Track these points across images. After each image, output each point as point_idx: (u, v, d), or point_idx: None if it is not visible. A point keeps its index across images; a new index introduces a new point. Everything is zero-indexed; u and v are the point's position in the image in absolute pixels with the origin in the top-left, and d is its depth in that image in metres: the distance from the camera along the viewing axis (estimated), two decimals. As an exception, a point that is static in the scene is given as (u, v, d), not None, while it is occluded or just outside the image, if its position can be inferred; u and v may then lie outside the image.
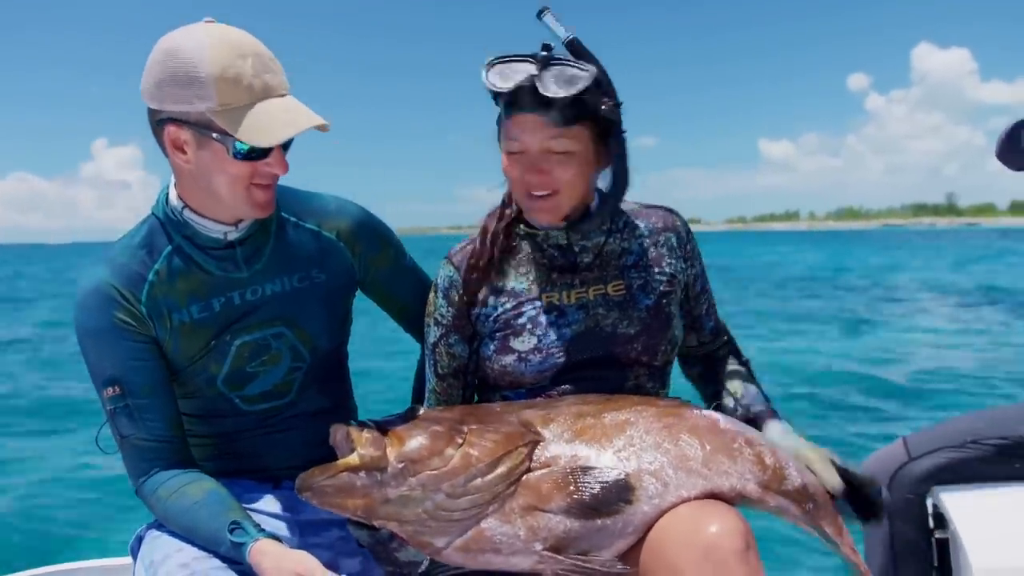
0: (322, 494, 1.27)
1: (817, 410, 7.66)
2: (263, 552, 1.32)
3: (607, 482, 1.26)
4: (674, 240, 1.55)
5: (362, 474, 1.26)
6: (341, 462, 1.28)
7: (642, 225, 1.55)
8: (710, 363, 1.65)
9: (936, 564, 2.00)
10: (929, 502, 2.01)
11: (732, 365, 1.64)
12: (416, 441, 1.28)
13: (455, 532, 1.26)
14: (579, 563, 1.25)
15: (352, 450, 1.28)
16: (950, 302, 19.03)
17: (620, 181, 1.47)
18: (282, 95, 1.40)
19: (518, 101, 1.37)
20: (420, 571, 1.39)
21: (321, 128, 1.40)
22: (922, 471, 1.99)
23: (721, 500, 1.28)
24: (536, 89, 1.34)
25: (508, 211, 1.52)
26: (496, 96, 1.41)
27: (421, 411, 1.36)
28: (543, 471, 1.28)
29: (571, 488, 1.26)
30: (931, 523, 2.02)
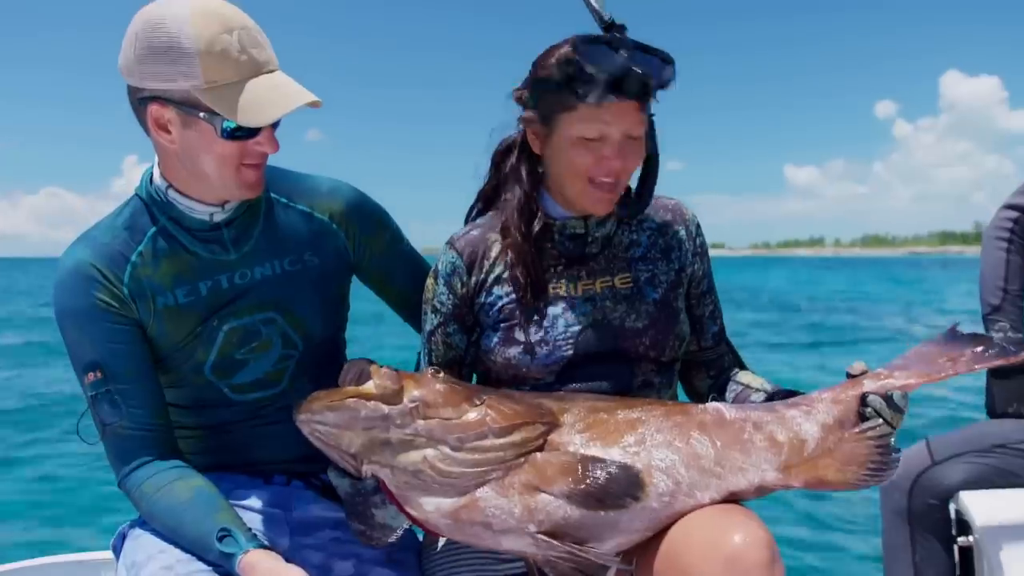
0: (320, 420, 1.20)
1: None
2: (252, 566, 1.25)
3: (615, 475, 1.20)
4: (683, 233, 1.52)
5: (371, 404, 1.19)
6: (351, 388, 1.21)
7: (651, 217, 1.52)
8: (717, 375, 1.59)
9: (958, 571, 1.96)
10: (952, 507, 1.96)
11: (736, 371, 1.58)
12: (434, 387, 1.23)
13: (447, 493, 1.20)
14: (574, 551, 1.18)
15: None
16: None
17: (655, 162, 1.45)
18: (271, 71, 1.34)
19: (620, 87, 1.32)
20: (389, 540, 1.32)
21: (313, 105, 1.35)
22: (946, 476, 1.95)
23: (741, 498, 1.23)
24: (641, 76, 1.31)
25: (530, 206, 1.46)
26: (575, 78, 1.33)
27: (441, 373, 1.29)
28: (552, 453, 1.23)
29: (577, 475, 1.20)
30: (954, 529, 1.97)
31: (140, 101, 1.35)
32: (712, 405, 1.34)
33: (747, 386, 1.49)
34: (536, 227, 1.45)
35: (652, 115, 1.42)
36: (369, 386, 1.20)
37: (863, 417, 1.26)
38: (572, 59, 1.33)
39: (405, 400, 1.20)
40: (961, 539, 1.95)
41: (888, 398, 1.26)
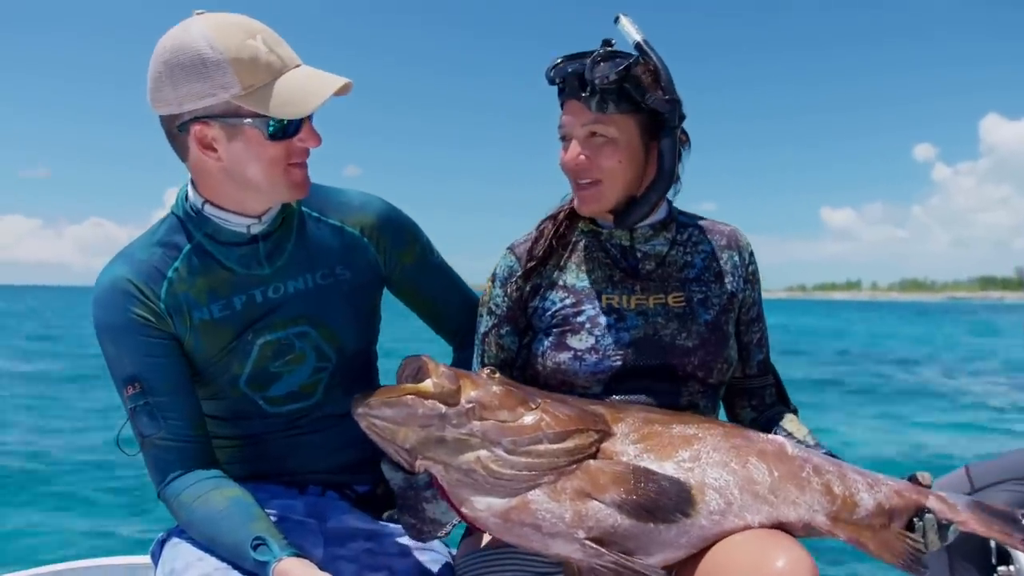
0: (378, 415, 1.21)
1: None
2: (287, 574, 1.26)
3: (667, 488, 1.20)
4: (737, 259, 1.54)
5: (428, 403, 1.20)
6: (409, 386, 1.22)
7: (706, 240, 1.54)
8: (760, 406, 1.60)
9: (999, 600, 1.91)
10: (992, 536, 1.92)
11: (783, 409, 1.59)
12: (491, 389, 1.24)
13: (499, 494, 1.20)
14: (621, 561, 1.18)
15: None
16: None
17: (663, 174, 1.46)
18: (298, 65, 1.37)
19: (566, 87, 1.44)
20: (439, 535, 1.33)
21: (345, 89, 1.36)
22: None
23: (787, 531, 1.22)
24: (579, 75, 1.40)
25: (571, 207, 1.53)
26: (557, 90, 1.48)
27: (496, 374, 1.30)
28: (605, 461, 1.23)
29: (630, 485, 1.20)
30: (994, 559, 1.93)
31: (180, 128, 1.36)
32: (775, 437, 1.35)
33: (790, 435, 1.49)
34: (563, 217, 1.52)
35: (677, 129, 1.44)
36: (427, 384, 1.21)
37: (911, 525, 1.29)
38: (546, 76, 1.47)
39: (462, 400, 1.21)
40: (1001, 568, 1.90)
41: (943, 526, 1.29)
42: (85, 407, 12.08)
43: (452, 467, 1.21)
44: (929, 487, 1.33)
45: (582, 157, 1.43)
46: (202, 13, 1.35)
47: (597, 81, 1.39)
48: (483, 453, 1.20)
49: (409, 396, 1.20)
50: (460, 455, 1.20)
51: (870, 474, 1.33)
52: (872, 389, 16.00)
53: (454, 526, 1.32)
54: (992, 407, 13.74)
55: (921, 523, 1.28)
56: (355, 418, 1.23)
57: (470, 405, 1.21)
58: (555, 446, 1.21)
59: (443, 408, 1.20)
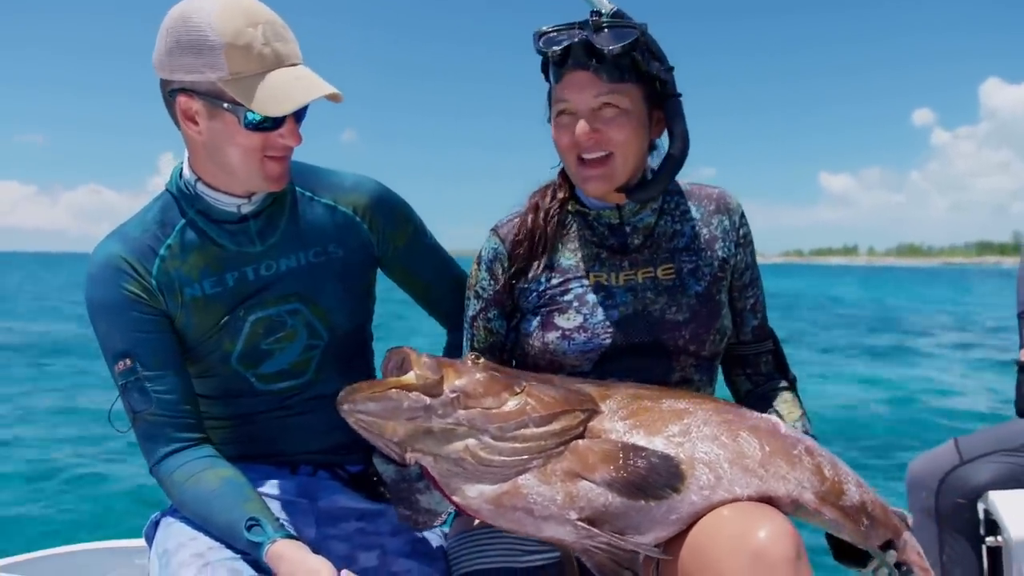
0: (363, 410, 1.21)
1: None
2: (280, 556, 1.27)
3: (657, 464, 1.20)
4: (727, 223, 1.50)
5: (412, 395, 1.19)
6: (392, 379, 1.22)
7: (694, 207, 1.51)
8: (755, 375, 1.59)
9: (987, 571, 1.93)
10: (980, 507, 1.94)
11: (779, 383, 1.57)
12: (475, 376, 1.23)
13: (490, 480, 1.20)
14: (614, 540, 1.19)
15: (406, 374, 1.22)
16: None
17: (680, 142, 1.43)
18: (294, 64, 1.38)
19: (569, 59, 1.37)
20: (435, 524, 1.33)
21: (333, 98, 1.38)
22: (974, 475, 1.93)
23: (774, 506, 1.21)
24: (588, 44, 1.35)
25: (561, 189, 1.50)
26: (547, 63, 1.41)
27: (480, 359, 1.29)
28: (593, 440, 1.23)
29: (619, 463, 1.19)
30: (982, 529, 1.95)
31: (170, 93, 1.39)
32: (769, 417, 1.34)
33: (782, 418, 1.48)
34: (555, 204, 1.48)
35: (676, 95, 1.42)
36: (410, 376, 1.21)
37: (870, 553, 1.30)
38: (537, 49, 1.40)
39: (446, 390, 1.21)
40: (989, 539, 1.93)
41: (899, 565, 1.31)
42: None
43: (441, 457, 1.21)
44: (908, 527, 1.33)
45: (593, 131, 1.38)
46: None
47: (608, 50, 1.34)
48: (471, 442, 1.20)
49: (393, 390, 1.20)
50: (448, 445, 1.20)
51: (861, 481, 1.33)
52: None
53: (449, 514, 1.32)
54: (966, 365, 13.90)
55: (883, 553, 1.29)
56: (341, 414, 1.23)
57: (454, 394, 1.20)
58: (542, 429, 1.21)
59: (427, 399, 1.20)
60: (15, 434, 7.85)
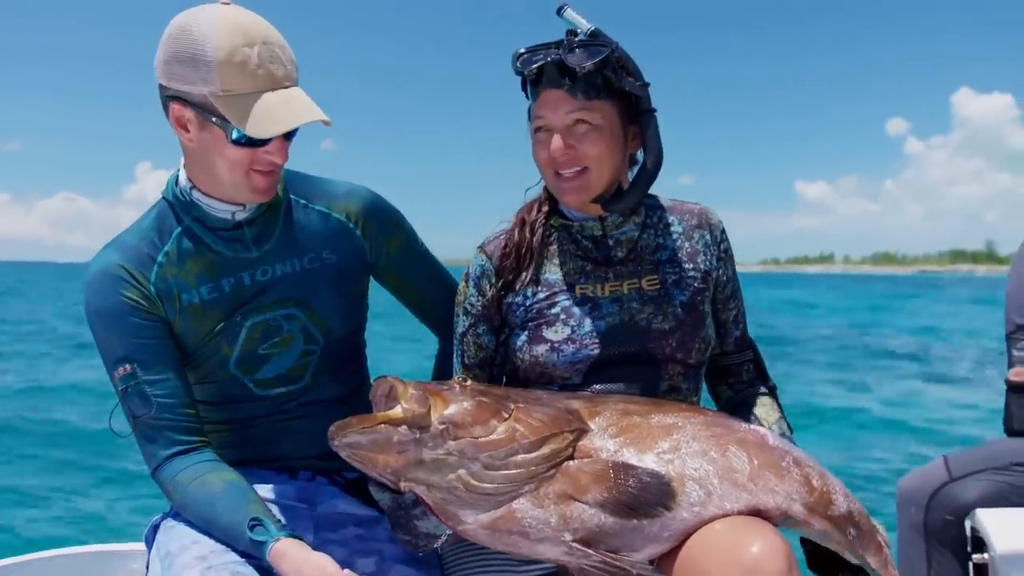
0: (355, 445, 1.21)
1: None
2: (283, 554, 1.29)
3: (648, 483, 1.21)
4: (708, 238, 1.54)
5: (401, 429, 1.20)
6: (381, 414, 1.22)
7: (676, 221, 1.54)
8: (737, 384, 1.62)
9: (973, 588, 1.96)
10: (968, 524, 1.96)
11: (759, 389, 1.60)
12: (462, 406, 1.24)
13: (484, 507, 1.21)
14: (609, 560, 1.20)
15: (393, 405, 1.23)
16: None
17: (654, 155, 1.46)
18: (287, 87, 1.39)
19: (543, 78, 1.42)
20: (436, 546, 1.34)
21: (324, 123, 1.40)
22: (963, 492, 1.95)
23: (764, 518, 1.23)
24: (560, 64, 1.39)
25: (544, 204, 1.53)
26: (525, 82, 1.46)
27: (468, 382, 1.31)
28: (584, 461, 1.24)
29: (610, 483, 1.21)
30: (969, 546, 1.97)
31: (166, 99, 1.41)
32: (757, 428, 1.37)
33: (759, 420, 1.52)
34: (540, 218, 1.51)
35: (651, 110, 1.45)
36: (398, 411, 1.22)
37: (846, 564, 1.34)
38: (515, 70, 1.45)
39: (434, 421, 1.21)
40: (976, 556, 1.95)
41: None
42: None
43: (435, 487, 1.22)
44: (888, 545, 1.36)
45: (567, 147, 1.42)
46: (227, 3, 1.38)
47: (579, 68, 1.38)
48: (462, 472, 1.21)
49: (381, 425, 1.21)
50: (440, 475, 1.21)
51: (848, 490, 1.35)
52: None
53: (449, 535, 1.33)
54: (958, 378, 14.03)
55: (869, 567, 1.32)
56: (334, 449, 1.24)
57: (443, 426, 1.21)
58: (532, 455, 1.22)
59: (416, 433, 1.21)
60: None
